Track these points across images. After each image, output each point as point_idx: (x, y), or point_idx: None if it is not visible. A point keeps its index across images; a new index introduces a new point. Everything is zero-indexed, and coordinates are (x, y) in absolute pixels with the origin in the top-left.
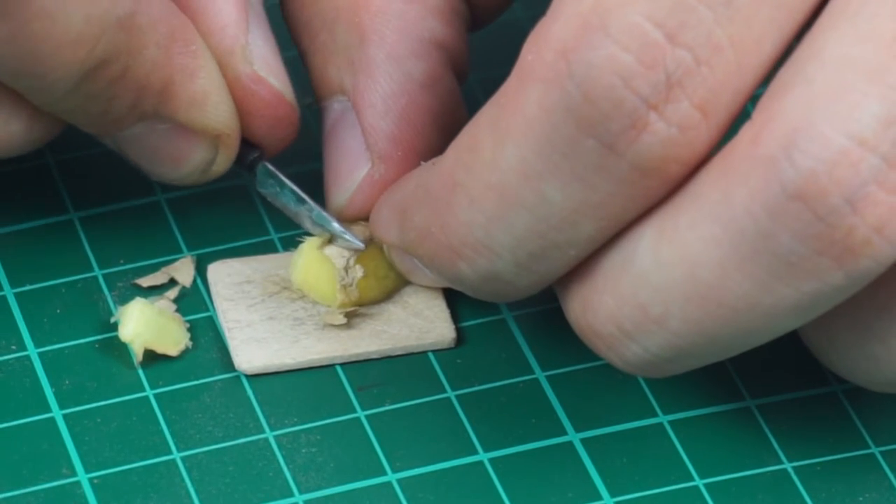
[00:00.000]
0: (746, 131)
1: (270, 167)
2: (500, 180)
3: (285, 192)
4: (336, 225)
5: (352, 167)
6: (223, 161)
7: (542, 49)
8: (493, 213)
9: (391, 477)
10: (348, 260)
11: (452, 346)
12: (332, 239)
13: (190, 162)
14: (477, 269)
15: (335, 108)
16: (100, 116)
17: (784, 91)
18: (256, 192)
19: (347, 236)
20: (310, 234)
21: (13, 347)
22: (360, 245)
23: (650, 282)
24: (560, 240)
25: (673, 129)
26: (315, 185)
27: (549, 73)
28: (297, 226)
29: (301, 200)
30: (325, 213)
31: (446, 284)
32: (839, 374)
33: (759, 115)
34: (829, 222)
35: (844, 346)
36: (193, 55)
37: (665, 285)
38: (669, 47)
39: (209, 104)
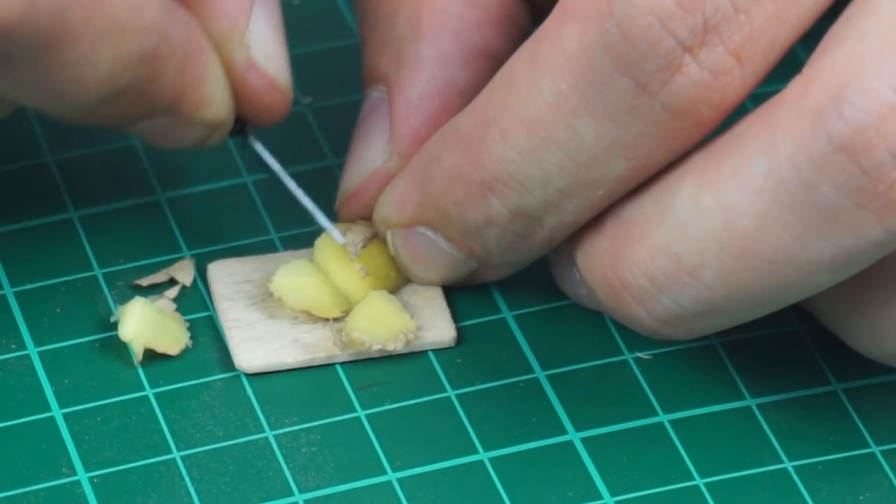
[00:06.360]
0: (796, 83)
1: (259, 149)
2: (534, 115)
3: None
4: (320, 216)
5: (370, 156)
6: (217, 139)
7: None
8: (526, 147)
9: (391, 476)
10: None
11: (452, 345)
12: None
13: (186, 141)
14: (508, 203)
15: (374, 96)
16: (108, 124)
17: (836, 45)
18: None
19: (332, 231)
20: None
21: (13, 347)
22: (341, 239)
23: (686, 231)
24: (590, 178)
25: (706, 72)
26: (316, 185)
27: (589, 10)
28: (297, 226)
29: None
30: (311, 205)
31: (446, 278)
32: (862, 350)
33: (809, 68)
34: (872, 175)
35: (875, 318)
36: (203, 66)
37: (702, 234)
38: None
39: (212, 105)
